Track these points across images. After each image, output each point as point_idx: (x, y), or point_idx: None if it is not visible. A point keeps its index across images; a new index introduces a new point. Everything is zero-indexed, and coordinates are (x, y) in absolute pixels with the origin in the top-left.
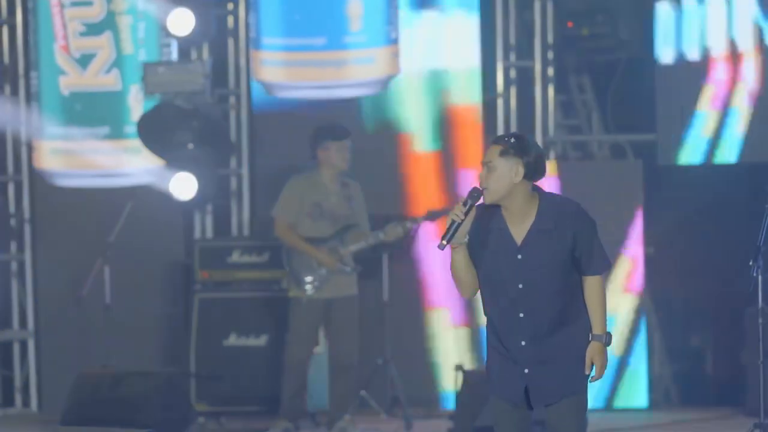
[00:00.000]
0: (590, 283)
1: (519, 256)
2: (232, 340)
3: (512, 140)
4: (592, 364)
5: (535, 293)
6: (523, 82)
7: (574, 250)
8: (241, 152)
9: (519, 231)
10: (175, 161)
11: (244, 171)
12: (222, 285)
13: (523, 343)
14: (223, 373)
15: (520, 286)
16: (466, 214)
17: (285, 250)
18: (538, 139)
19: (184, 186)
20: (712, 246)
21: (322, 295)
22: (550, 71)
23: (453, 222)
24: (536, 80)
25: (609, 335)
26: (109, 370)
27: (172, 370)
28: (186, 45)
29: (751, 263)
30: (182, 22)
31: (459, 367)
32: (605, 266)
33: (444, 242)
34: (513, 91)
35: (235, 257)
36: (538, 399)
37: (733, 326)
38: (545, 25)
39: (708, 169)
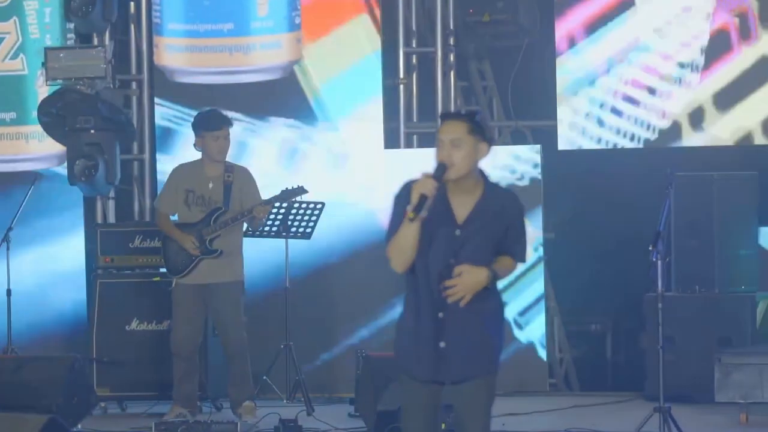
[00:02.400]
0: (506, 257)
1: (457, 232)
2: (134, 325)
3: (477, 118)
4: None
5: None
6: (425, 68)
7: (506, 236)
8: (143, 138)
9: (461, 209)
10: (76, 147)
11: (146, 156)
12: (123, 270)
13: (441, 314)
14: (124, 358)
15: (452, 260)
16: (437, 189)
17: (162, 238)
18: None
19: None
20: (611, 231)
21: (195, 281)
22: (452, 57)
23: (424, 196)
24: (437, 66)
25: (494, 277)
26: (12, 355)
27: (74, 355)
28: (88, 30)
29: (650, 248)
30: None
31: (360, 352)
32: (522, 258)
33: (413, 215)
34: (415, 77)
35: (137, 242)
36: (450, 373)
37: (632, 311)
38: (446, 11)
39: (608, 153)
